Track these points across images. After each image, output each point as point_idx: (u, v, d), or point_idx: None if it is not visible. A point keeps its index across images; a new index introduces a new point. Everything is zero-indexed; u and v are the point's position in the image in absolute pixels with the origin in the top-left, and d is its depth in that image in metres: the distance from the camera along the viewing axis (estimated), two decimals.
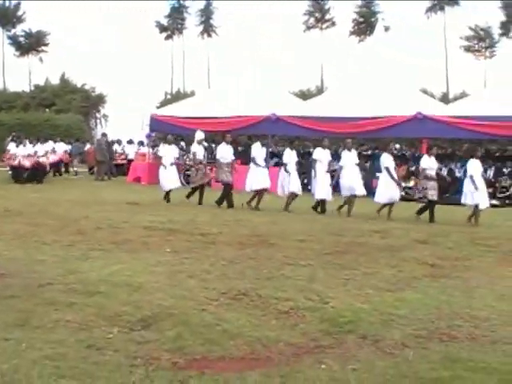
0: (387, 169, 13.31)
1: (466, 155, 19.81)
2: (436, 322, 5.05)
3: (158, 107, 31.30)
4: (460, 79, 69.12)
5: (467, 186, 12.82)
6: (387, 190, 13.19)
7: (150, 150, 24.61)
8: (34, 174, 20.72)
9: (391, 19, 69.36)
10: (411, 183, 18.90)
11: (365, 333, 4.72)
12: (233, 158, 14.83)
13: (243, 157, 20.25)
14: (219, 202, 14.22)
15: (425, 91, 31.35)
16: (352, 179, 13.48)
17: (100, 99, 52.47)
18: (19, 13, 61.40)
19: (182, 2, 66.67)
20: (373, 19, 57.30)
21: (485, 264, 7.90)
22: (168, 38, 66.69)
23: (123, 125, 35.27)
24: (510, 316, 5.31)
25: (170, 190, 15.32)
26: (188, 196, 14.96)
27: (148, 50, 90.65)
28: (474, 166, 12.81)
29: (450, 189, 17.64)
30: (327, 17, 63.90)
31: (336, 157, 16.84)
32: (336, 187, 14.10)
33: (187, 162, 21.77)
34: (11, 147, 21.77)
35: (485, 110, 18.04)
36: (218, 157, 14.64)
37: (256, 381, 3.73)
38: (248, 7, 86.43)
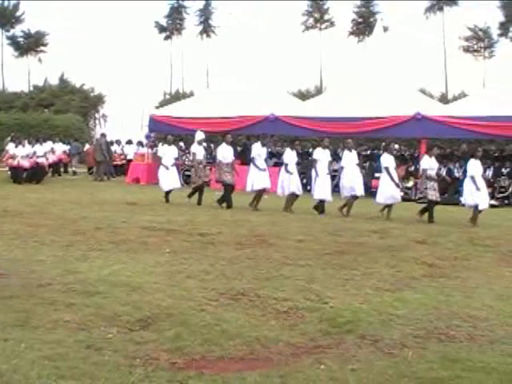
0: (387, 169, 13.31)
1: (464, 155, 19.87)
2: (435, 322, 5.06)
3: (157, 107, 31.26)
4: (459, 79, 69.03)
5: (467, 186, 12.79)
6: (388, 190, 13.18)
7: (149, 150, 24.61)
8: (33, 174, 20.73)
9: (390, 19, 69.21)
10: (410, 183, 18.91)
11: (364, 333, 4.73)
12: (233, 158, 14.82)
13: (242, 157, 20.28)
14: (220, 201, 14.20)
15: (423, 91, 31.32)
16: (353, 179, 13.47)
17: (99, 99, 52.38)
18: (18, 13, 61.24)
19: (181, 2, 66.62)
20: (372, 19, 57.25)
21: (483, 264, 7.91)
22: (167, 38, 66.60)
23: (122, 125, 35.20)
24: (509, 316, 5.32)
25: (169, 191, 15.31)
26: (190, 195, 14.95)
27: (147, 51, 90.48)
28: (475, 166, 12.79)
29: (449, 189, 17.67)
30: (326, 17, 63.79)
31: (335, 157, 16.85)
32: (336, 187, 14.09)
33: (186, 163, 21.78)
34: (10, 147, 21.75)
35: (484, 110, 18.05)
36: (219, 157, 14.55)
37: (255, 381, 3.73)
38: (247, 7, 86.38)
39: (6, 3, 60.58)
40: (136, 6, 79.14)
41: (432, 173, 13.12)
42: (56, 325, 4.70)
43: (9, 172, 21.49)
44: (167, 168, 15.51)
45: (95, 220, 10.80)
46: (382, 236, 10.16)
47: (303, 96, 37.83)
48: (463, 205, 13.17)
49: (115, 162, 27.06)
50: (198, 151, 15.24)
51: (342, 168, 13.79)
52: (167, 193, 15.26)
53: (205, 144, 17.63)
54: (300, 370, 3.92)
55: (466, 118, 18.31)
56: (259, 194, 14.17)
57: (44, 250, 7.84)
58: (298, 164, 14.69)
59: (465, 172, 15.59)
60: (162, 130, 23.43)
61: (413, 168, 20.04)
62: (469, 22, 60.85)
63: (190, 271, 6.78)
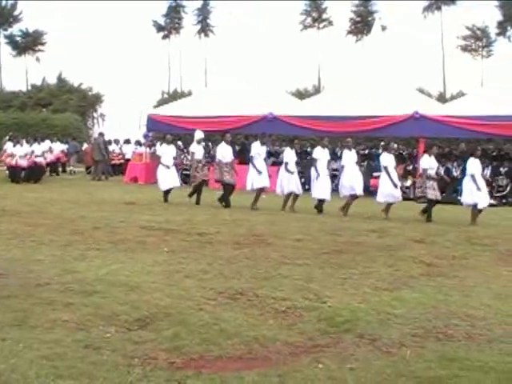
0: (386, 168, 13.30)
1: (463, 155, 19.88)
2: (433, 321, 5.07)
3: (155, 107, 31.20)
4: (457, 78, 69.13)
5: (466, 185, 12.78)
6: (388, 189, 13.17)
7: (147, 149, 24.59)
8: (31, 173, 20.71)
9: (388, 19, 69.31)
10: (408, 182, 18.91)
11: (362, 332, 4.73)
12: (232, 157, 14.79)
13: (241, 156, 20.27)
14: (221, 200, 14.19)
15: (422, 90, 31.34)
16: (352, 179, 13.45)
17: (97, 99, 52.34)
18: (16, 12, 61.18)
19: (179, 1, 66.60)
20: (370, 18, 57.28)
21: (481, 263, 7.92)
22: (165, 37, 66.58)
23: (120, 124, 35.16)
24: (507, 315, 5.33)
25: (169, 190, 15.27)
26: (190, 195, 14.92)
27: (145, 50, 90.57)
28: (475, 165, 12.76)
29: (447, 188, 17.67)
30: (324, 16, 63.82)
31: (333, 156, 16.84)
32: (336, 187, 14.06)
33: (185, 162, 21.76)
34: (8, 147, 21.73)
35: (482, 109, 18.05)
36: (219, 157, 14.46)
37: (253, 380, 3.74)
38: (245, 7, 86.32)
39: (3, 2, 60.51)
40: (134, 5, 79.18)
41: (432, 172, 13.12)
42: (54, 324, 4.69)
43: (7, 171, 21.47)
44: (168, 167, 15.47)
45: (93, 219, 10.80)
46: (381, 235, 10.16)
47: (301, 95, 37.85)
48: (461, 204, 13.17)
49: (113, 162, 27.04)
50: (197, 150, 15.22)
51: (342, 167, 13.75)
52: (165, 192, 15.24)
53: (203, 143, 17.60)
54: (298, 370, 3.93)
55: (464, 117, 18.31)
56: (259, 193, 14.15)
57: (42, 249, 7.83)
58: (297, 163, 14.67)
59: (463, 171, 15.60)
60: (160, 130, 23.41)
61: (411, 167, 20.05)
62: (467, 21, 61.02)
63: (189, 271, 6.78)
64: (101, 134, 26.32)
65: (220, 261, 7.38)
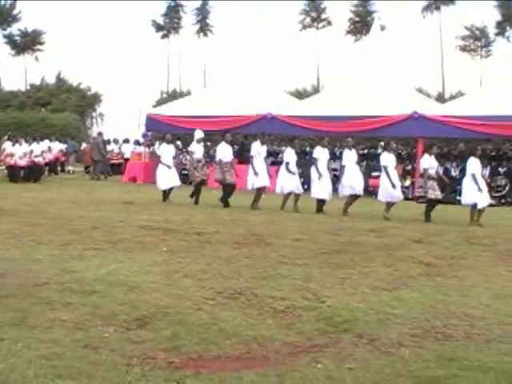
0: (385, 168, 13.30)
1: (461, 154, 19.89)
2: (432, 321, 5.07)
3: (154, 106, 31.20)
4: (456, 78, 69.14)
5: (466, 184, 12.76)
6: (388, 188, 13.16)
7: (146, 149, 24.59)
8: (30, 173, 20.70)
9: (387, 18, 69.28)
10: (407, 182, 18.91)
11: (361, 332, 4.73)
12: (232, 157, 14.77)
13: (240, 156, 20.26)
14: (227, 201, 14.17)
15: (420, 90, 31.39)
16: (353, 179, 13.44)
17: (96, 98, 52.37)
18: (15, 12, 61.19)
19: (178, 1, 66.59)
20: (369, 18, 57.32)
21: (480, 263, 7.92)
22: (164, 36, 66.61)
23: (119, 124, 35.16)
24: (506, 315, 5.33)
25: (170, 189, 15.22)
26: (192, 195, 14.89)
27: (144, 49, 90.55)
28: (475, 165, 12.73)
29: (446, 188, 17.68)
30: (323, 16, 63.88)
31: (332, 156, 16.82)
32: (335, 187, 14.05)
33: (183, 162, 21.74)
34: (7, 146, 21.72)
35: (481, 109, 18.07)
36: (219, 157, 14.42)
37: (252, 380, 3.73)
38: (244, 6, 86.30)
39: (2, 2, 60.51)
40: (133, 5, 79.16)
41: (432, 172, 13.11)
42: (53, 324, 4.69)
43: (5, 171, 21.45)
44: (169, 167, 15.43)
45: (92, 219, 10.79)
46: (379, 235, 10.16)
47: (300, 95, 37.89)
48: (460, 203, 13.16)
49: (112, 161, 27.04)
50: (197, 150, 15.20)
51: (343, 167, 13.69)
52: (164, 192, 15.22)
53: (203, 143, 17.57)
54: (297, 369, 3.92)
55: (463, 117, 18.32)
56: (259, 192, 14.13)
57: (41, 249, 7.83)
58: (296, 163, 14.63)
59: (462, 171, 15.59)
60: (159, 129, 23.42)
61: (410, 167, 20.06)
62: (466, 21, 61.05)
63: (187, 270, 6.78)
64: (100, 134, 26.31)
65: (219, 260, 7.38)
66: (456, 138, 21.21)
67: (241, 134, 24.47)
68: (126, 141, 28.54)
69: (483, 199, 12.59)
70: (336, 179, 15.37)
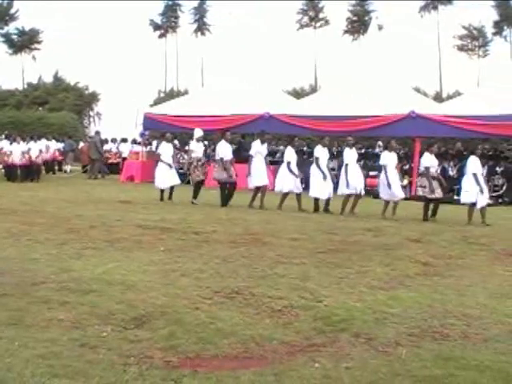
0: (385, 167, 13.29)
1: (459, 154, 19.90)
2: (429, 321, 5.07)
3: (151, 105, 31.22)
4: (453, 78, 69.22)
5: (466, 183, 12.74)
6: (387, 188, 13.15)
7: (144, 148, 24.58)
8: (28, 172, 20.67)
9: (385, 18, 69.38)
10: (405, 182, 18.93)
11: (358, 331, 4.73)
12: (232, 156, 14.75)
13: (237, 155, 20.24)
14: (227, 200, 14.14)
15: (418, 90, 31.39)
16: (355, 178, 13.41)
17: (93, 97, 52.34)
18: (12, 11, 61.10)
19: (175, 0, 66.57)
20: (366, 18, 57.38)
21: (478, 262, 7.93)
22: (162, 36, 66.60)
23: (117, 123, 35.13)
24: (503, 314, 5.33)
25: (171, 189, 15.19)
26: (195, 197, 14.84)
27: (142, 49, 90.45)
28: (475, 164, 12.70)
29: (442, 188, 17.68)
30: (321, 15, 63.94)
31: (330, 155, 16.78)
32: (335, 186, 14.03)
33: (181, 161, 21.74)
34: (4, 145, 21.70)
35: (478, 108, 18.10)
36: (220, 155, 14.40)
37: (249, 379, 3.73)
38: (241, 6, 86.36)
39: None
40: (131, 5, 79.09)
41: (433, 170, 13.10)
42: (50, 323, 4.69)
43: (2, 170, 21.42)
44: (170, 166, 15.40)
45: (89, 218, 10.78)
46: (377, 234, 10.16)
47: (298, 94, 37.92)
48: (458, 203, 13.15)
49: (110, 161, 27.04)
50: (197, 148, 15.17)
51: (346, 166, 13.61)
52: (162, 191, 15.19)
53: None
54: (294, 369, 3.92)
55: (461, 116, 18.35)
56: (259, 191, 14.09)
57: (38, 248, 7.81)
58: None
59: (459, 170, 15.58)
60: (157, 128, 23.43)
61: (407, 166, 20.07)
62: (463, 20, 61.22)
63: (185, 269, 6.78)
64: (97, 133, 26.33)
65: (216, 260, 7.37)
66: (454, 137, 21.24)
67: (238, 133, 24.47)
68: (124, 140, 28.54)
69: (483, 199, 12.58)
70: (336, 178, 15.35)
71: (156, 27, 66.36)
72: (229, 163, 14.33)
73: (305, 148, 23.38)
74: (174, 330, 4.59)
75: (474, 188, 12.50)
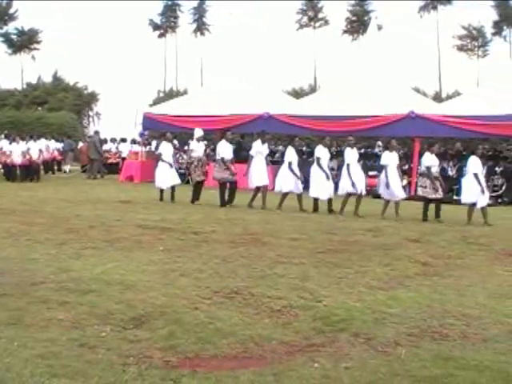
0: (385, 167, 13.28)
1: (458, 154, 19.90)
2: (428, 321, 5.07)
3: (150, 105, 31.20)
4: (453, 78, 69.26)
5: (466, 183, 12.72)
6: (387, 187, 13.13)
7: (143, 148, 24.57)
8: (27, 172, 20.66)
9: (384, 18, 69.36)
10: (404, 182, 18.90)
11: (357, 331, 4.73)
12: (232, 155, 14.74)
13: (236, 155, 20.23)
14: (230, 201, 14.11)
15: (417, 90, 31.41)
16: (356, 178, 13.39)
17: (93, 97, 52.30)
18: (11, 10, 61.08)
19: (175, 0, 66.58)
20: (366, 18, 57.40)
21: (477, 262, 7.93)
22: (161, 36, 66.63)
23: (116, 123, 35.13)
24: (502, 314, 5.33)
25: (173, 189, 15.16)
26: (198, 198, 14.81)
27: (141, 48, 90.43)
28: (476, 164, 12.67)
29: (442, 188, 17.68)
30: (320, 15, 63.97)
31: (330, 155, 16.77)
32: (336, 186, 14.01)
33: (180, 161, 21.73)
34: (3, 145, 21.68)
35: (477, 109, 18.08)
36: (221, 155, 14.38)
37: (249, 379, 3.73)
38: (241, 6, 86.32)
39: None
40: (130, 5, 79.10)
41: (433, 170, 13.10)
42: (49, 323, 4.68)
43: (2, 170, 21.41)
44: (171, 166, 15.38)
45: (89, 218, 10.78)
46: (376, 234, 10.17)
47: (297, 94, 37.92)
48: (457, 203, 13.13)
49: (110, 160, 27.03)
50: (197, 148, 15.16)
51: (348, 165, 13.58)
52: (162, 191, 15.16)
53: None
54: (293, 369, 3.92)
55: (460, 116, 18.34)
56: (259, 191, 14.08)
57: (37, 248, 7.81)
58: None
59: (458, 170, 15.58)
60: (156, 128, 23.41)
61: (406, 167, 20.05)
62: (463, 20, 61.28)
63: (184, 269, 6.78)
64: (96, 133, 26.31)
65: (215, 260, 7.37)
66: (453, 137, 21.23)
67: (237, 133, 24.46)
68: (123, 140, 28.53)
69: (484, 199, 12.58)
70: (336, 178, 15.33)
71: (155, 27, 66.38)
72: (229, 163, 14.32)
73: (304, 148, 23.37)
74: (173, 330, 4.59)
75: (474, 188, 12.49)
